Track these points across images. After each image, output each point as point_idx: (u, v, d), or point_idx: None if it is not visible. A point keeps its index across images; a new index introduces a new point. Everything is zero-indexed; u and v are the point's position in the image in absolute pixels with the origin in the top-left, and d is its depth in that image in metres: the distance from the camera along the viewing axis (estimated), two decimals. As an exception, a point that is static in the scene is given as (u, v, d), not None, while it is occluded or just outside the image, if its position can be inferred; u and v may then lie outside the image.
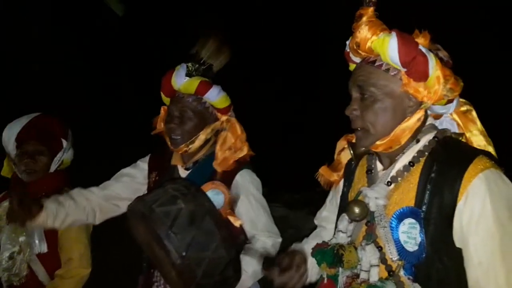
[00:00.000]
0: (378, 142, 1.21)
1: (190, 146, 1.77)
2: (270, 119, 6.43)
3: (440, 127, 1.29)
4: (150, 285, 1.79)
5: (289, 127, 6.70)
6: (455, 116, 1.31)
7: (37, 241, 1.98)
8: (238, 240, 1.69)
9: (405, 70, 1.17)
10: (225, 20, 5.67)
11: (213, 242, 1.29)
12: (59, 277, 1.99)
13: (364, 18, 1.21)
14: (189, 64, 1.76)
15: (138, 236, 1.42)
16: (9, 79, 5.21)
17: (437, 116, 1.32)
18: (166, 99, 1.86)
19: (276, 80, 6.83)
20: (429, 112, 1.28)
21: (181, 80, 1.74)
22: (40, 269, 2.00)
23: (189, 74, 1.74)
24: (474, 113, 1.31)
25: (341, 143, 1.50)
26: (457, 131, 1.31)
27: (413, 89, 1.17)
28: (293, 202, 4.35)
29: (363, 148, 1.29)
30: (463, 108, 1.31)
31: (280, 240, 1.75)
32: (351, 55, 1.29)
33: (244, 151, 1.77)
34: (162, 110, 1.90)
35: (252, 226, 1.72)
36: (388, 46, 1.15)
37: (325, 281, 1.27)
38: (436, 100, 1.19)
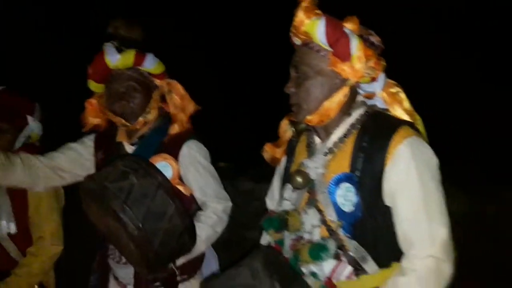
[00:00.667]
0: (310, 116, 1.34)
1: (147, 117, 1.81)
2: (237, 94, 6.51)
3: None
4: (105, 259, 1.84)
5: (255, 102, 6.77)
6: (384, 95, 1.46)
7: (4, 222, 1.96)
8: (190, 208, 1.76)
9: (331, 50, 1.30)
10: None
11: (168, 213, 1.36)
12: (31, 255, 1.99)
13: (302, 4, 1.33)
14: (114, 42, 1.78)
15: (92, 214, 1.45)
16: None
17: (370, 96, 1.47)
18: (98, 86, 1.85)
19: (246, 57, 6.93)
20: (361, 91, 1.43)
21: (115, 57, 1.76)
22: (12, 247, 1.99)
23: (120, 50, 1.76)
24: (402, 94, 1.45)
25: (284, 122, 1.62)
26: None
27: (339, 68, 1.30)
28: (259, 176, 4.41)
29: (301, 124, 1.42)
30: (393, 90, 1.46)
31: (230, 204, 1.84)
32: (293, 38, 1.42)
33: (191, 107, 1.84)
34: (89, 104, 1.89)
35: (202, 193, 1.79)
36: (317, 28, 1.28)
37: (273, 245, 1.39)
38: (360, 77, 1.32)
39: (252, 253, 1.23)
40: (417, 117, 1.44)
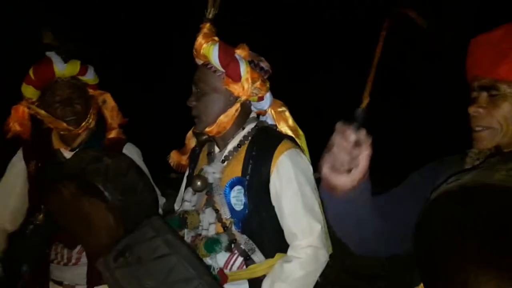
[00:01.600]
0: (208, 128, 1.55)
1: (89, 122, 1.94)
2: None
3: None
4: (43, 269, 1.86)
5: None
6: (272, 113, 1.71)
7: None
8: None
9: (225, 71, 1.53)
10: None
11: (138, 187, 1.59)
12: None
13: (202, 30, 1.55)
14: (59, 51, 1.89)
15: (57, 203, 1.57)
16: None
17: (262, 113, 1.71)
18: (35, 92, 1.90)
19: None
20: (254, 109, 1.67)
21: (62, 65, 1.87)
22: None
23: (66, 59, 1.88)
24: (287, 113, 1.70)
25: (190, 133, 1.81)
26: None
27: (231, 87, 1.53)
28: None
29: (203, 135, 1.63)
30: (279, 109, 1.71)
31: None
32: (196, 59, 1.62)
33: (119, 119, 2.03)
34: (15, 111, 1.93)
35: None
36: (212, 52, 1.51)
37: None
38: (248, 96, 1.56)
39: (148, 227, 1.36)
40: (301, 132, 1.71)
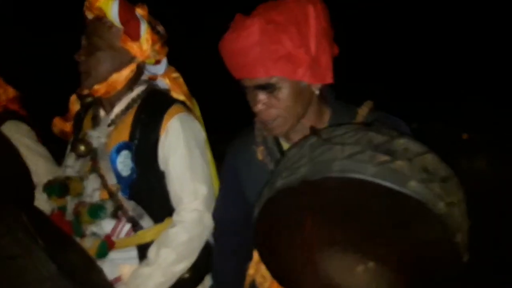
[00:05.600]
0: (97, 86, 1.46)
1: None
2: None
3: None
4: None
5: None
6: (167, 80, 1.66)
7: None
8: None
9: (123, 28, 1.45)
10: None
11: None
12: None
13: None
14: None
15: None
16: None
17: (153, 78, 1.65)
18: None
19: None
20: (146, 72, 1.60)
21: None
22: None
23: None
24: (181, 80, 1.67)
25: (73, 96, 1.69)
26: None
27: (128, 45, 1.46)
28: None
29: (88, 97, 1.53)
30: (174, 75, 1.66)
31: None
32: (86, 12, 1.51)
33: (9, 93, 1.90)
34: None
35: (36, 176, 1.76)
36: (111, 6, 1.42)
37: (55, 211, 1.47)
38: (146, 57, 1.50)
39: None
40: (194, 101, 1.69)
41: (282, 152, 1.26)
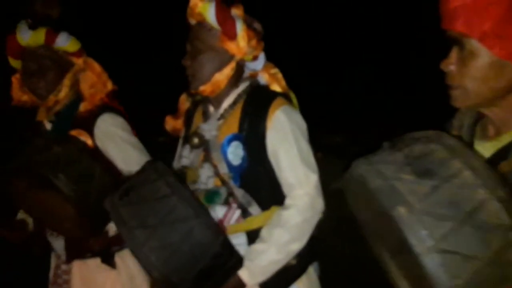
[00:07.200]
0: (203, 87, 1.58)
1: (58, 95, 1.84)
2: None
3: None
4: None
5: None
6: (266, 75, 1.76)
7: None
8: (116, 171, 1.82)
9: (221, 29, 1.56)
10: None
11: (96, 173, 1.53)
12: None
13: None
14: (28, 20, 1.81)
15: (16, 195, 1.52)
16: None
17: (254, 74, 1.75)
18: (16, 63, 1.88)
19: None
20: (247, 69, 1.71)
21: (27, 34, 1.79)
22: None
23: (32, 26, 1.79)
24: (279, 75, 1.76)
25: (183, 96, 1.84)
26: None
27: (227, 45, 1.56)
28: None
29: (197, 96, 1.67)
30: (272, 71, 1.76)
31: None
32: (189, 19, 1.65)
33: (109, 86, 1.92)
34: (15, 79, 1.89)
35: (126, 165, 1.83)
36: (208, 9, 1.54)
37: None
38: (243, 54, 1.59)
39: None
40: (292, 94, 1.76)
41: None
